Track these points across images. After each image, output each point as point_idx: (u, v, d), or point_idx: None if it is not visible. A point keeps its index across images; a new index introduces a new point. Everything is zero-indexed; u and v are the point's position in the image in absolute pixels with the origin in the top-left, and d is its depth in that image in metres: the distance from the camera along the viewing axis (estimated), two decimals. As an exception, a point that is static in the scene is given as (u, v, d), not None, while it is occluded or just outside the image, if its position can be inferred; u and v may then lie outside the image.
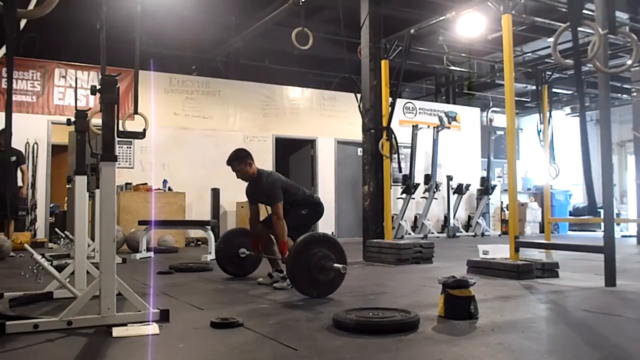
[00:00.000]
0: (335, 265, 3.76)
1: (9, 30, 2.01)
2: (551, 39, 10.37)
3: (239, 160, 4.49)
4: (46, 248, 8.50)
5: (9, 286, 4.00)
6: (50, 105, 9.25)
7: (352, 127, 9.90)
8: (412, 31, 6.62)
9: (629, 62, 4.45)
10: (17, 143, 8.55)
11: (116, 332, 2.63)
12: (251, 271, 4.93)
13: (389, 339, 2.54)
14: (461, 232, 12.54)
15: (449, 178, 12.44)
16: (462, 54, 11.54)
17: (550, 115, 7.97)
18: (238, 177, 4.57)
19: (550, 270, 4.81)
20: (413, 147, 11.75)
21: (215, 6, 9.40)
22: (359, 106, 6.79)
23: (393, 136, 6.74)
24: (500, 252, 5.16)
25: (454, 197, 12.51)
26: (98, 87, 2.89)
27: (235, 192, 8.26)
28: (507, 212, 11.71)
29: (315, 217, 4.74)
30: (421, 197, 11.90)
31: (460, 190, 12.52)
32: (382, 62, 6.85)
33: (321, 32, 9.32)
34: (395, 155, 6.86)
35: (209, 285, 4.45)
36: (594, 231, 12.87)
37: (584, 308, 3.47)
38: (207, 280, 4.79)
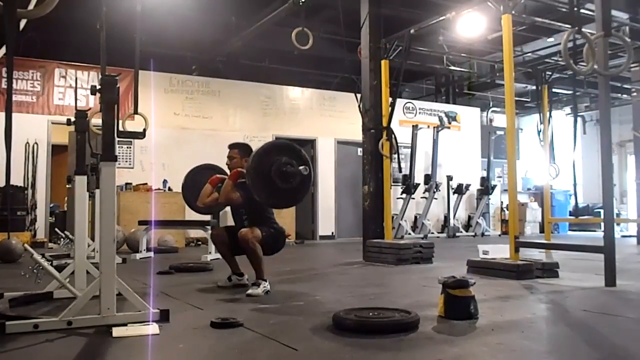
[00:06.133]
0: (297, 168, 3.62)
1: (9, 30, 2.01)
2: (551, 39, 10.42)
3: (244, 152, 4.22)
4: (46, 248, 8.50)
5: (9, 286, 3.99)
6: (50, 105, 9.25)
7: (352, 127, 9.89)
8: (412, 31, 6.63)
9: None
10: (17, 143, 8.56)
11: (116, 332, 2.63)
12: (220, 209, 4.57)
13: (389, 339, 2.54)
14: (461, 232, 12.54)
15: (449, 178, 12.44)
16: (462, 54, 11.54)
17: (550, 115, 7.97)
18: (227, 164, 4.28)
19: (550, 270, 4.81)
20: (413, 147, 11.74)
21: (215, 6, 9.39)
22: (359, 106, 6.79)
23: (393, 136, 6.74)
24: (500, 252, 5.16)
25: (454, 197, 12.50)
26: (98, 87, 2.90)
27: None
28: (507, 212, 11.71)
29: (275, 238, 4.16)
30: (421, 197, 11.89)
31: (460, 190, 12.51)
32: (382, 62, 6.85)
33: (321, 32, 9.30)
34: (395, 155, 6.86)
35: (208, 285, 4.45)
36: (594, 231, 12.86)
37: (583, 308, 3.47)
38: (207, 280, 4.79)
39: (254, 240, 3.92)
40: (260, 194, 3.67)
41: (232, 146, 4.32)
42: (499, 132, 13.96)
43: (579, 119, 15.08)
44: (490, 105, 15.19)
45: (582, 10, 4.60)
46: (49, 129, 9.20)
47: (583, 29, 4.21)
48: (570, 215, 13.74)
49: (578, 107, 14.80)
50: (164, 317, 2.92)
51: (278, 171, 3.63)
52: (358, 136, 7.34)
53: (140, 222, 7.60)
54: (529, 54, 11.71)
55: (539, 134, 7.94)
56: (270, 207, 3.98)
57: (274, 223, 4.19)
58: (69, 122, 4.02)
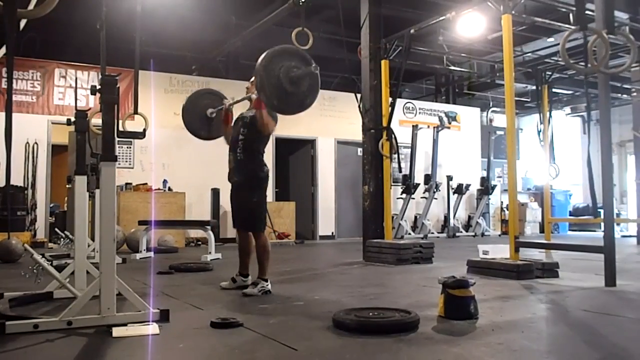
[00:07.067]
0: (307, 69, 3.56)
1: (9, 30, 2.01)
2: (551, 39, 10.41)
3: None
4: (46, 248, 8.51)
5: (9, 286, 4.00)
6: (50, 105, 9.25)
7: (352, 127, 9.89)
8: (412, 31, 6.63)
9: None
10: (17, 143, 8.56)
11: (116, 332, 2.63)
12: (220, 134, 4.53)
13: (389, 339, 2.54)
14: (461, 232, 12.54)
15: (449, 178, 12.44)
16: (462, 54, 11.53)
17: (550, 115, 7.97)
18: (248, 88, 4.33)
19: (550, 270, 4.81)
20: (413, 147, 11.74)
21: (215, 6, 9.39)
22: (359, 106, 6.79)
23: (393, 136, 6.74)
24: (500, 252, 5.16)
25: (454, 197, 12.51)
26: (98, 87, 2.90)
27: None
28: (507, 212, 11.71)
29: (265, 198, 4.23)
30: (421, 197, 11.89)
31: (460, 190, 12.52)
32: (382, 62, 6.85)
33: (321, 32, 9.30)
34: (395, 155, 6.86)
35: (209, 285, 4.45)
36: (594, 231, 12.87)
37: (584, 308, 3.47)
38: (207, 280, 4.79)
39: (266, 239, 4.15)
40: (271, 98, 3.63)
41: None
42: (499, 132, 13.96)
43: (579, 119, 15.15)
44: (490, 105, 15.20)
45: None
46: (49, 129, 9.20)
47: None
48: (573, 215, 13.75)
49: (577, 107, 14.90)
50: (164, 317, 2.92)
51: (287, 75, 3.57)
52: (358, 136, 7.34)
53: (140, 222, 7.60)
54: (529, 54, 11.70)
55: (539, 134, 7.94)
56: (279, 112, 3.96)
57: (262, 167, 4.19)
58: (69, 122, 4.02)
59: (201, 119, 4.48)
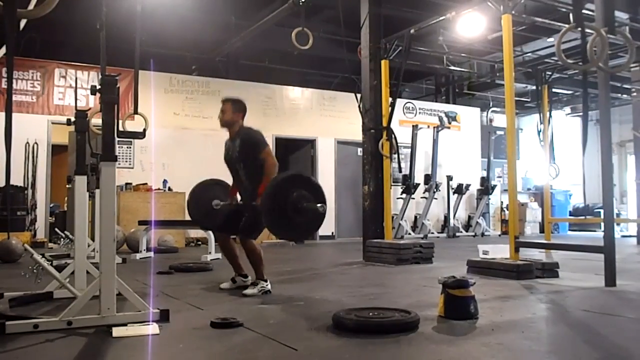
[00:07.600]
0: (314, 205, 3.56)
1: (9, 30, 2.01)
2: (551, 39, 10.41)
3: (237, 106, 4.18)
4: (46, 248, 8.50)
5: (9, 286, 4.00)
6: (50, 105, 9.25)
7: (352, 127, 9.88)
8: (412, 31, 6.64)
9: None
10: (17, 143, 8.56)
11: (116, 332, 2.63)
12: (229, 227, 4.38)
13: (388, 339, 2.54)
14: (461, 232, 12.54)
15: (449, 178, 12.44)
16: (462, 54, 11.54)
17: (550, 115, 7.97)
18: (219, 118, 4.21)
19: (550, 270, 4.81)
20: (413, 147, 11.74)
21: (215, 6, 9.40)
22: (359, 106, 6.79)
23: (393, 136, 6.74)
24: (500, 252, 5.16)
25: (454, 197, 12.50)
26: (98, 87, 2.90)
27: (235, 192, 8.23)
28: (507, 212, 11.70)
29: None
30: (421, 197, 11.89)
31: (460, 190, 12.52)
32: (382, 62, 6.85)
33: (321, 32, 9.31)
34: (395, 155, 6.87)
35: (208, 285, 4.45)
36: (594, 231, 12.86)
37: (584, 308, 3.47)
38: (207, 280, 4.79)
39: (253, 240, 4.02)
40: (274, 226, 3.65)
41: (225, 100, 4.26)
42: (499, 132, 13.96)
43: (579, 119, 15.14)
44: (490, 105, 15.20)
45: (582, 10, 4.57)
46: (49, 129, 9.19)
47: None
48: (573, 215, 13.75)
49: (577, 107, 14.88)
50: (164, 317, 2.92)
51: (293, 205, 3.56)
52: (358, 136, 7.34)
53: (140, 222, 7.60)
54: (529, 54, 11.71)
55: (539, 134, 7.93)
56: (281, 239, 4.00)
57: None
58: (69, 122, 4.02)
59: (207, 210, 4.43)
